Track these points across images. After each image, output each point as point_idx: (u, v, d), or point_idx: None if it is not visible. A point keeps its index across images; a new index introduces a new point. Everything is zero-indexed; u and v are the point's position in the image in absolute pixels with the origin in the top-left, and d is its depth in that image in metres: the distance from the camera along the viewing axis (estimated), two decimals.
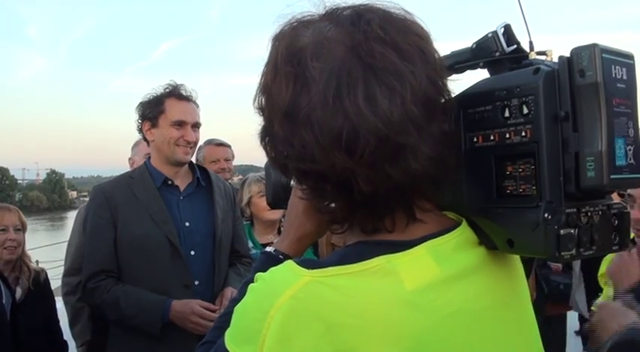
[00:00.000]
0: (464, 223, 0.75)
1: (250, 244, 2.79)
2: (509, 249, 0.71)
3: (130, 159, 3.38)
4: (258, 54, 0.74)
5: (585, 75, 0.64)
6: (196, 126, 2.38)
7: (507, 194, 0.70)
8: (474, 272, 0.72)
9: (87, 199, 2.77)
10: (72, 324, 2.94)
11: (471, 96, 0.74)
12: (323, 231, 0.89)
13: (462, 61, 0.80)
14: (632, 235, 1.79)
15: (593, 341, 1.33)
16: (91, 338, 2.87)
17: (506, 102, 0.70)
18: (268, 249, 0.92)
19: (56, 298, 2.96)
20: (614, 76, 0.65)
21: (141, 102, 2.38)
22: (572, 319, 3.87)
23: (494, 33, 0.76)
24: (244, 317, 0.69)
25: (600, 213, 0.69)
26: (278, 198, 0.96)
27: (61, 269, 3.24)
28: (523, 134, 0.68)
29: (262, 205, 2.79)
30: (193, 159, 2.51)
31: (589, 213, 0.68)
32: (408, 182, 0.66)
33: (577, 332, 4.04)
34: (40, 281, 2.80)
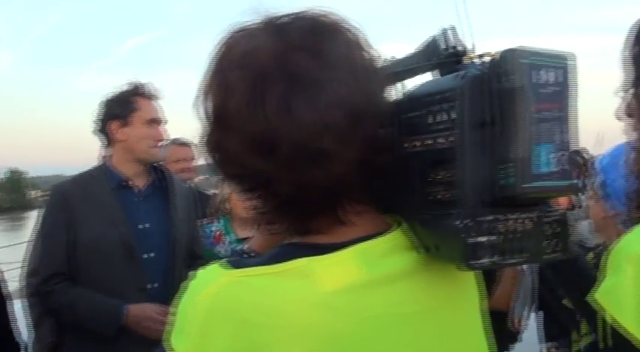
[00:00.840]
0: (400, 227, 0.75)
1: (229, 239, 2.79)
2: (438, 255, 0.71)
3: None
4: None
5: (505, 79, 0.64)
6: (164, 124, 2.37)
7: (435, 200, 0.70)
8: (404, 276, 0.72)
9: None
10: (36, 326, 2.87)
11: (407, 101, 0.75)
12: None
13: (408, 66, 0.79)
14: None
15: None
16: (55, 339, 2.81)
17: (435, 108, 0.70)
18: (240, 248, 0.96)
19: (16, 300, 2.87)
20: (538, 80, 0.64)
21: (106, 100, 2.32)
22: None
23: (436, 36, 0.76)
24: (178, 313, 0.72)
25: (532, 219, 0.68)
26: None
27: (20, 271, 3.14)
28: (448, 139, 0.68)
29: (240, 202, 2.78)
30: None
31: (514, 220, 0.67)
32: (333, 185, 0.69)
33: None
34: None
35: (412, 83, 0.78)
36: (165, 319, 2.21)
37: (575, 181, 0.67)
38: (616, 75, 1.04)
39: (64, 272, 2.21)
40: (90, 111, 2.36)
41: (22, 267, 3.01)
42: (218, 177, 0.87)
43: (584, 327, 1.59)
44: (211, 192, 3.47)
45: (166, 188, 2.40)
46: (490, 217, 0.66)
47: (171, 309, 0.73)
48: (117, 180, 2.31)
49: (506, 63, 0.64)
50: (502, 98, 0.64)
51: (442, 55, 0.74)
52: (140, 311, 2.13)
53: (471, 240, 0.65)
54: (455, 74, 0.68)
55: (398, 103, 0.75)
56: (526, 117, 0.63)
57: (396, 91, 0.76)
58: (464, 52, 0.74)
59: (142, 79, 2.37)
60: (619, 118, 1.05)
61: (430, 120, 0.70)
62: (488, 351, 0.84)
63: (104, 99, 2.35)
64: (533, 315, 1.79)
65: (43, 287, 2.21)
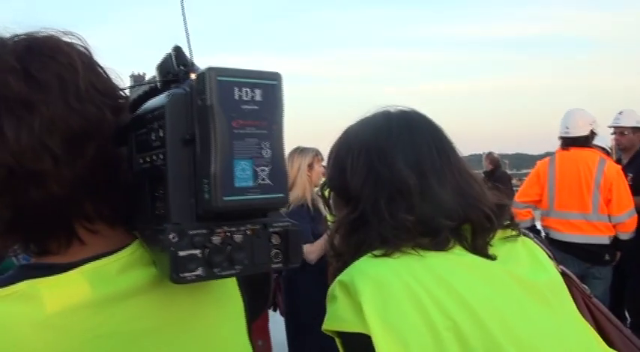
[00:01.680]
0: (138, 242, 0.76)
1: None
2: (157, 269, 0.72)
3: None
4: None
5: (202, 98, 0.65)
6: None
7: (159, 215, 0.71)
8: (139, 293, 0.73)
9: None
10: None
11: (134, 119, 0.75)
12: None
13: (147, 84, 0.80)
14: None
15: None
16: None
17: (154, 125, 0.71)
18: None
19: None
20: (238, 97, 0.66)
21: None
22: None
23: (169, 55, 0.77)
24: None
25: (248, 232, 0.70)
26: None
27: None
28: (161, 157, 0.68)
29: None
30: None
31: (225, 233, 0.68)
32: (56, 206, 0.69)
33: None
34: None
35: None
36: None
37: (280, 195, 0.69)
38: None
39: None
40: None
41: None
42: None
43: None
44: None
45: None
46: (200, 231, 0.67)
47: None
48: None
49: (203, 81, 0.65)
50: (200, 115, 0.66)
51: (173, 73, 0.75)
52: None
53: (181, 253, 0.65)
54: (167, 92, 0.69)
55: (131, 121, 0.75)
56: (223, 133, 0.65)
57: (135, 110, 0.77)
58: (192, 70, 0.74)
59: None
60: None
61: (152, 137, 0.71)
62: None
63: None
64: None
65: None
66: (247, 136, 0.66)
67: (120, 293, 0.71)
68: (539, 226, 4.03)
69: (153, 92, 0.78)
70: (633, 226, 3.74)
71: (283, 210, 0.77)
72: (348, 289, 0.89)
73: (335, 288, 0.92)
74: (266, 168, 0.68)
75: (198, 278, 0.66)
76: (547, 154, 4.16)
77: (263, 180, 0.67)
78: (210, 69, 0.65)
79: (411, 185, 0.97)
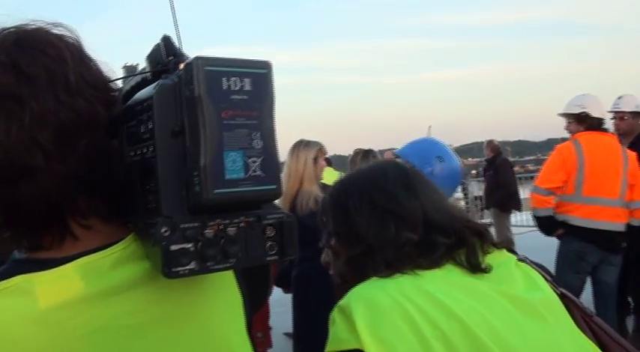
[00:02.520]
0: (132, 235, 0.75)
1: None
2: (150, 263, 0.71)
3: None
4: None
5: (190, 88, 0.64)
6: None
7: (151, 209, 0.70)
8: (135, 286, 0.72)
9: None
10: None
11: (124, 111, 0.74)
12: None
13: (138, 75, 0.78)
14: None
15: None
16: None
17: (143, 117, 0.69)
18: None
19: None
20: (227, 87, 0.64)
21: None
22: None
23: (157, 45, 0.75)
24: None
25: (242, 225, 0.69)
26: None
27: None
28: (150, 149, 0.67)
29: None
30: None
31: (217, 226, 0.67)
32: (49, 201, 0.69)
33: None
34: None
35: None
36: None
37: (272, 186, 0.67)
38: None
39: None
40: None
41: None
42: None
43: None
44: None
45: None
46: (192, 224, 0.66)
47: None
48: None
49: (191, 71, 0.64)
50: (189, 106, 0.64)
51: (162, 63, 0.73)
52: None
53: (173, 247, 0.64)
54: (155, 83, 0.68)
55: (122, 113, 0.74)
56: (212, 124, 0.63)
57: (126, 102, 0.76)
58: (182, 60, 0.73)
59: None
60: None
61: (142, 129, 0.70)
62: None
63: None
64: None
65: None
66: (237, 127, 0.65)
67: (113, 288, 0.70)
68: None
69: (145, 83, 0.77)
70: None
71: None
72: (344, 311, 0.96)
73: (334, 313, 0.98)
74: (257, 160, 0.66)
75: (192, 273, 0.65)
76: (549, 141, 4.08)
77: (254, 171, 0.66)
78: (197, 58, 0.63)
79: (416, 211, 1.10)
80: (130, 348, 0.70)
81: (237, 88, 0.65)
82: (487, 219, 8.91)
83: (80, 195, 0.71)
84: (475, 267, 1.04)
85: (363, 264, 1.07)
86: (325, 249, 1.22)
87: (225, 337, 0.81)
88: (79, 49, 0.73)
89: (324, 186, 3.27)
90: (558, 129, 3.96)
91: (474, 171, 18.60)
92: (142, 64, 0.82)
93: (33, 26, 0.73)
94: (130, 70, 0.80)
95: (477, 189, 11.42)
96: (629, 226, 3.70)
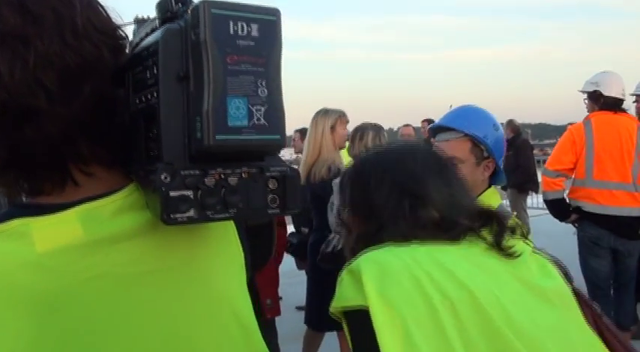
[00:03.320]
0: (134, 185, 0.75)
1: None
2: (150, 211, 0.70)
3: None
4: None
5: (195, 32, 0.62)
6: None
7: (153, 156, 0.69)
8: (136, 235, 0.72)
9: None
10: None
11: (131, 58, 0.73)
12: None
13: (148, 23, 0.77)
14: None
15: None
16: None
17: (148, 63, 0.68)
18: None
19: None
20: (233, 32, 0.62)
21: None
22: None
23: None
24: None
25: (244, 175, 0.68)
26: None
27: None
28: (155, 95, 0.66)
29: None
30: None
31: (220, 175, 0.66)
32: (51, 145, 0.68)
33: None
34: None
35: None
36: None
37: (276, 137, 0.66)
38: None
39: None
40: None
41: None
42: None
43: None
44: None
45: None
46: (192, 171, 0.65)
47: None
48: None
49: (197, 14, 0.62)
50: (194, 50, 0.63)
51: (171, 11, 0.71)
52: None
53: (172, 193, 0.64)
54: (162, 27, 0.66)
55: (128, 61, 0.73)
56: (217, 68, 0.62)
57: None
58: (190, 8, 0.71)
59: None
60: None
61: (147, 74, 0.68)
62: (247, 312, 0.84)
63: None
64: None
65: None
66: (242, 73, 0.63)
67: (113, 236, 0.70)
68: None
69: (154, 33, 0.76)
70: None
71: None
72: (353, 271, 0.96)
73: (343, 273, 0.98)
74: (262, 108, 0.65)
75: (190, 220, 0.64)
76: (571, 125, 3.97)
77: (258, 119, 0.64)
78: (204, 2, 0.62)
79: (441, 192, 1.10)
80: (128, 297, 0.70)
81: (244, 34, 0.63)
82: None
83: (83, 142, 0.71)
84: (498, 245, 1.04)
85: (374, 242, 1.06)
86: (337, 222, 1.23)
87: (225, 290, 0.80)
88: None
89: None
90: (582, 112, 3.85)
91: None
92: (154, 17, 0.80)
93: None
94: (141, 23, 0.78)
95: None
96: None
